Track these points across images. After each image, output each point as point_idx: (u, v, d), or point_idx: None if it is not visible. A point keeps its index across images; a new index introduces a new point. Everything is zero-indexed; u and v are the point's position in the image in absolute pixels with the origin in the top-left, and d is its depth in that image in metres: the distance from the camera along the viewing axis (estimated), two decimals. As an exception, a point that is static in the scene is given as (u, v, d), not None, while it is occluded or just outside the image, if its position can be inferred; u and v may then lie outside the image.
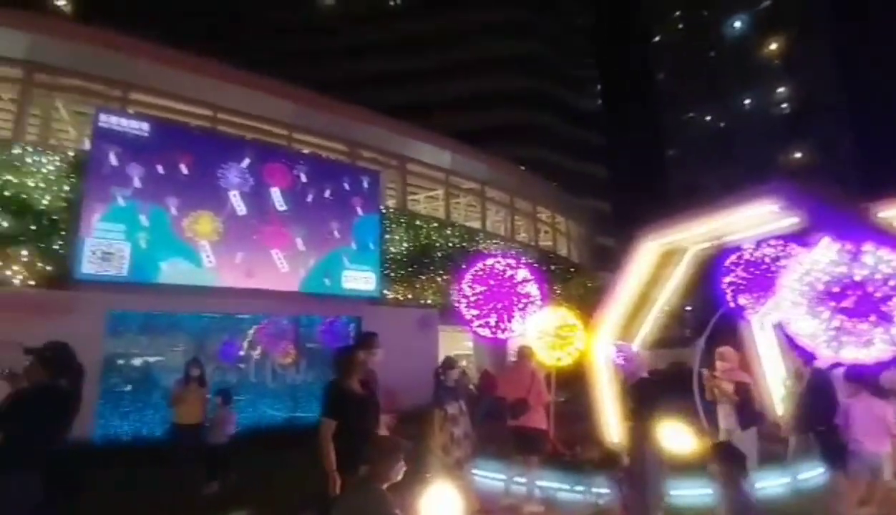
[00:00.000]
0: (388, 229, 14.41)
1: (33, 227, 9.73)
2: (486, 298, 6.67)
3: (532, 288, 6.82)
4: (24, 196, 9.72)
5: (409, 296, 14.63)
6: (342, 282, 12.88)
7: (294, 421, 10.94)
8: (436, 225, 16.08)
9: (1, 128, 11.54)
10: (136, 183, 10.27)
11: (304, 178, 12.55)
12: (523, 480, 5.73)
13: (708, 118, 56.77)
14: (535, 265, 13.87)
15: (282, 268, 12.00)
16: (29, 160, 9.90)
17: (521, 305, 6.73)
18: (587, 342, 6.82)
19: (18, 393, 3.15)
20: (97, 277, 9.70)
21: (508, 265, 6.94)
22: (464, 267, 14.33)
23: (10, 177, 9.67)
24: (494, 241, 17.70)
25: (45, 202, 9.88)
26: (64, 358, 3.37)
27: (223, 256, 11.18)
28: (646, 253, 6.35)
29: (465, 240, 16.61)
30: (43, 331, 8.20)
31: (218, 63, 12.87)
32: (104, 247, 9.80)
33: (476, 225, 18.53)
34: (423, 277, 15.05)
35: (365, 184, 13.69)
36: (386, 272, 14.05)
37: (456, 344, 18.11)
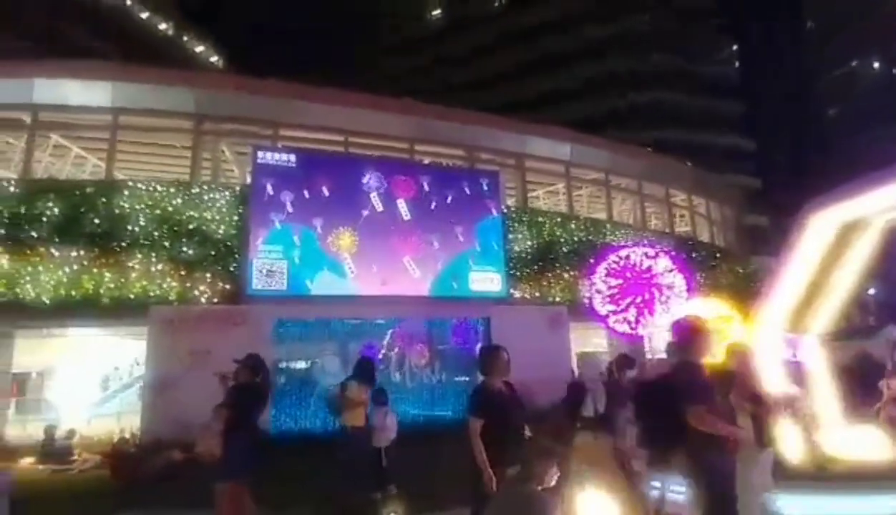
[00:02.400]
0: (510, 228, 14.41)
1: (213, 253, 11.54)
2: (622, 292, 6.33)
3: (675, 279, 6.31)
4: (204, 227, 11.58)
5: (537, 295, 14.45)
6: (469, 284, 13.18)
7: (432, 419, 11.43)
8: (558, 219, 15.68)
9: (181, 173, 13.85)
10: (289, 208, 11.68)
11: (426, 187, 13.13)
12: (681, 488, 5.29)
13: (875, 66, 47.43)
14: (674, 254, 12.78)
15: (413, 274, 12.65)
16: (206, 197, 11.79)
17: (663, 298, 6.26)
18: (746, 335, 6.09)
19: (236, 388, 4.83)
20: (264, 292, 11.18)
21: (646, 255, 6.50)
22: (592, 261, 13.86)
23: (192, 213, 11.59)
24: (623, 232, 16.73)
25: (220, 231, 11.67)
26: (260, 364, 5.03)
27: (362, 267, 12.14)
28: (816, 229, 5.44)
29: (591, 232, 15.93)
30: (225, 339, 9.71)
31: (345, 92, 14.02)
32: (268, 266, 11.29)
33: (601, 216, 17.70)
34: (549, 274, 14.76)
35: (484, 186, 13.87)
36: (511, 271, 14.06)
37: (587, 341, 17.42)
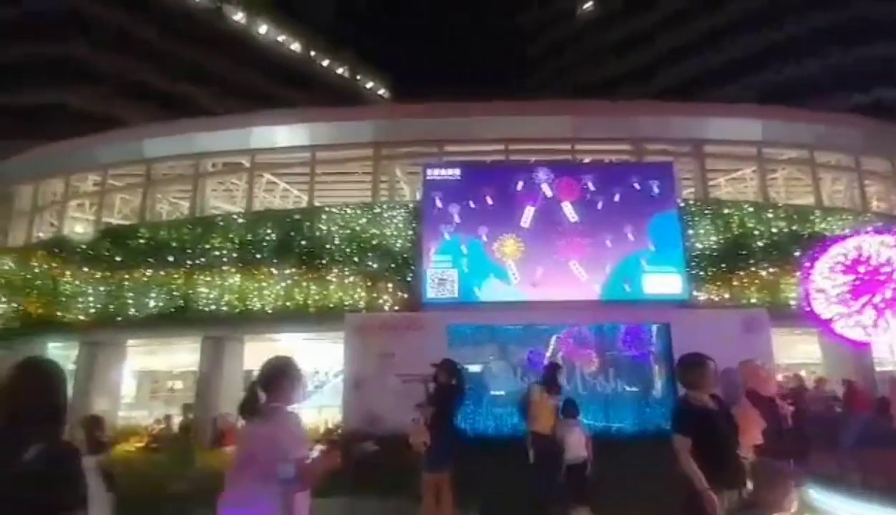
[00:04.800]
0: (689, 224, 13.04)
1: (392, 265, 12.71)
2: (855, 291, 5.15)
3: (932, 273, 4.95)
4: (385, 242, 12.84)
5: (727, 296, 12.78)
6: (643, 287, 12.26)
7: (607, 431, 10.82)
8: (750, 209, 13.65)
9: (363, 195, 15.56)
10: (456, 219, 12.32)
11: (591, 187, 12.62)
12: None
13: None
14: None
15: (581, 278, 12.24)
16: (385, 215, 13.08)
17: (915, 296, 4.96)
18: None
19: (437, 387, 5.43)
20: (437, 300, 11.93)
21: (883, 244, 5.21)
22: (799, 254, 11.86)
23: (375, 230, 12.94)
24: (838, 218, 13.90)
25: (398, 245, 12.82)
26: (454, 367, 5.61)
27: (527, 272, 12.17)
28: None
29: (794, 221, 13.55)
30: (406, 344, 10.55)
31: (502, 102, 14.23)
32: (440, 276, 12.04)
33: (806, 201, 14.97)
34: (742, 273, 12.93)
35: (656, 180, 12.80)
36: (693, 272, 12.69)
37: (791, 348, 14.79)
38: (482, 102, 13.93)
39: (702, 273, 12.80)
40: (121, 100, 30.19)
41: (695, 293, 12.58)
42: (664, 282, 12.26)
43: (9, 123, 27.00)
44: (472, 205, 12.39)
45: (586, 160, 14.44)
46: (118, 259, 13.90)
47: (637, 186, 12.70)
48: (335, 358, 13.02)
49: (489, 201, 12.46)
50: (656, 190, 12.69)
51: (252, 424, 2.61)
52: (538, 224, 12.39)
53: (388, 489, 6.57)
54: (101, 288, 13.81)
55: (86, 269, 14.10)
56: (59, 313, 14.17)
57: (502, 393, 11.18)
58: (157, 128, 15.42)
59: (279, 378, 2.71)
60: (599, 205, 12.56)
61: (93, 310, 13.81)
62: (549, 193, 12.58)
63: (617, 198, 12.60)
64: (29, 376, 1.96)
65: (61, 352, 14.62)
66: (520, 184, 12.62)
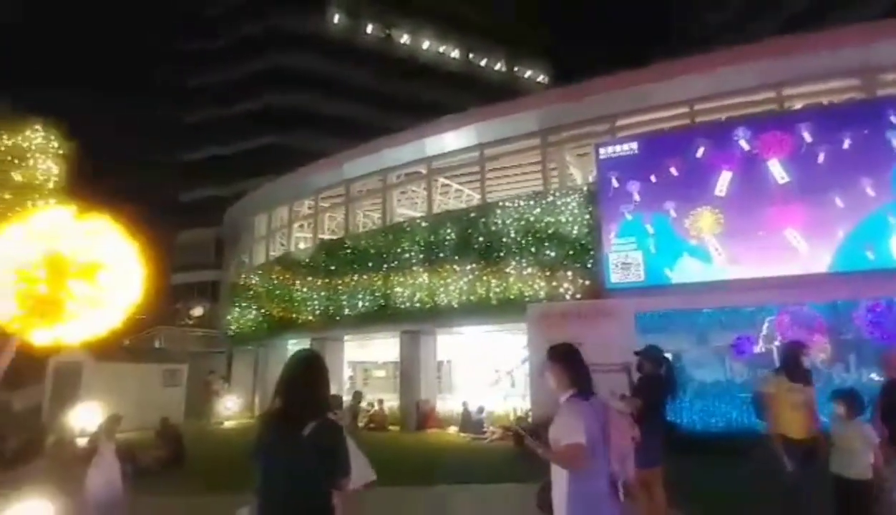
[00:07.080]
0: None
1: (570, 253, 12.42)
2: None
3: None
4: (560, 230, 12.61)
5: None
6: (892, 252, 9.77)
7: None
8: None
9: (534, 185, 15.50)
10: (636, 197, 11.47)
11: (808, 138, 10.50)
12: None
13: None
14: None
15: (800, 248, 10.31)
16: (559, 203, 12.83)
17: None
18: None
19: (644, 378, 5.09)
20: (622, 285, 11.28)
21: None
22: None
23: (549, 219, 12.79)
24: None
25: (574, 232, 12.48)
26: (659, 356, 5.10)
27: (730, 247, 10.73)
28: None
29: None
30: (592, 331, 10.20)
31: (684, 60, 12.58)
32: (622, 259, 11.36)
33: None
34: None
35: (899, 117, 10.06)
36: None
37: None
38: (655, 66, 12.66)
39: None
40: (322, 133, 35.42)
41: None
42: (927, 243, 9.59)
43: (247, 165, 34.02)
44: (653, 179, 11.38)
45: (796, 107, 12.07)
46: (332, 268, 16.38)
47: (873, 128, 10.16)
48: (518, 349, 13.26)
49: (674, 172, 11.29)
50: (901, 128, 9.97)
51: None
52: (738, 190, 10.80)
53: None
54: (323, 293, 16.44)
55: (310, 278, 16.95)
56: (294, 315, 17.30)
57: (706, 384, 10.11)
58: (352, 153, 17.66)
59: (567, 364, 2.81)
60: (821, 158, 10.38)
61: (318, 312, 16.53)
62: (750, 153, 10.85)
63: (846, 145, 10.26)
64: (303, 367, 2.44)
65: (297, 348, 17.82)
66: (710, 148, 11.14)
